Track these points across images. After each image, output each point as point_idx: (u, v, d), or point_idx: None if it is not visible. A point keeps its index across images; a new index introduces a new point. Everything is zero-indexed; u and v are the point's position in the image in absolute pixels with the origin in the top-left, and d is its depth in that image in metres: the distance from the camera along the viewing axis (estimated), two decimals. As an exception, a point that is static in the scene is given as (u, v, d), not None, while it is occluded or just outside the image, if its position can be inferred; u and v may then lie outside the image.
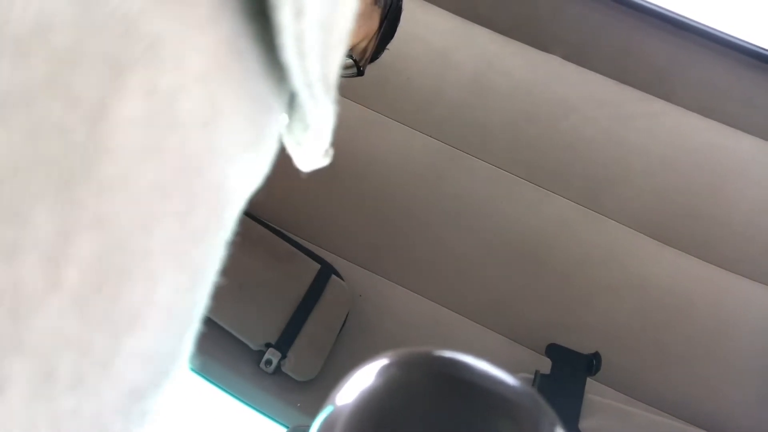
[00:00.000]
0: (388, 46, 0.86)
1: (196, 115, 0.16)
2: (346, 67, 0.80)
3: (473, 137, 1.47)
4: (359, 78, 0.82)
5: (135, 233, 0.15)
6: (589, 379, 1.33)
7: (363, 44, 0.78)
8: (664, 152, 1.42)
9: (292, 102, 0.21)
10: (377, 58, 1.03)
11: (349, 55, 0.77)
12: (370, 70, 1.06)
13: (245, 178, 0.19)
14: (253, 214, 1.41)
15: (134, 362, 0.16)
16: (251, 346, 1.31)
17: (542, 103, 1.45)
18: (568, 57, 1.43)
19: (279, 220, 1.46)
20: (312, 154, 0.24)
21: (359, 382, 0.50)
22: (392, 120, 1.48)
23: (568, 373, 1.33)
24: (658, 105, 1.41)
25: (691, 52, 1.38)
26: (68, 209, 0.13)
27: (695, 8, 1.37)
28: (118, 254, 0.14)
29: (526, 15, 1.44)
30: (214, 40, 0.16)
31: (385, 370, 0.50)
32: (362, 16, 0.72)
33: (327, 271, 1.41)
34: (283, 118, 0.21)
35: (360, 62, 0.79)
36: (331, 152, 0.25)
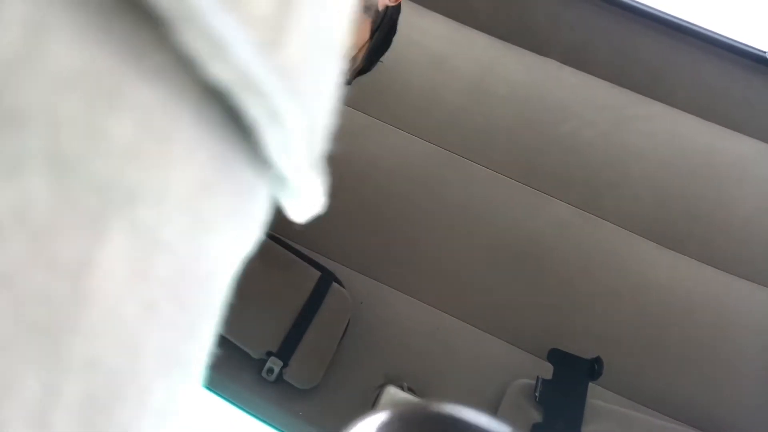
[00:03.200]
0: (382, 58, 0.84)
1: (183, 235, 0.15)
2: None
3: (472, 142, 1.47)
4: (357, 85, 0.81)
5: (125, 360, 0.14)
6: (591, 384, 1.33)
7: (351, 53, 0.77)
8: (662, 155, 1.42)
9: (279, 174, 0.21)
10: (369, 70, 1.00)
11: None
12: (367, 76, 1.05)
13: (235, 253, 0.19)
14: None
15: None
16: (252, 354, 1.31)
17: (540, 107, 1.45)
18: (565, 61, 1.43)
19: (278, 227, 1.45)
20: (302, 211, 0.24)
21: None
22: (390, 126, 1.48)
23: (570, 378, 1.32)
24: (656, 107, 1.41)
25: (689, 54, 1.38)
26: (56, 366, 0.13)
27: (692, 11, 1.38)
28: (109, 386, 0.14)
29: (524, 19, 1.45)
30: (196, 168, 0.15)
31: (383, 427, 0.51)
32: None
33: (327, 278, 1.40)
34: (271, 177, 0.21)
35: (347, 72, 0.78)
36: (323, 202, 0.24)
